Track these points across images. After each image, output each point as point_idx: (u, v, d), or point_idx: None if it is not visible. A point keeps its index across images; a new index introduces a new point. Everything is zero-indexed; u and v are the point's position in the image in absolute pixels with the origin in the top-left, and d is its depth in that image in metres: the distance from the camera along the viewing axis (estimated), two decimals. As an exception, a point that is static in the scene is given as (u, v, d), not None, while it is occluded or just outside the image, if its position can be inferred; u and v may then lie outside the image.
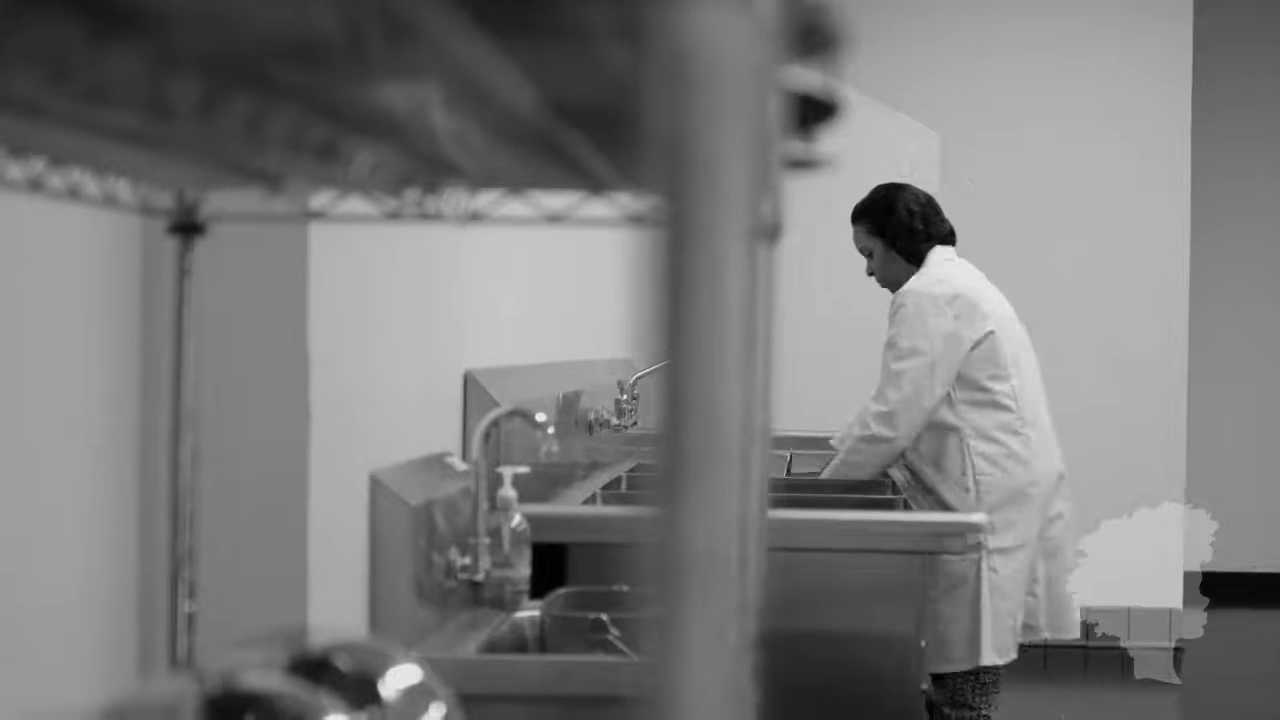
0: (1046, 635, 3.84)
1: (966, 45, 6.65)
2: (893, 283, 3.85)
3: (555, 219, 1.22)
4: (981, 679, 3.70)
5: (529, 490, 2.44)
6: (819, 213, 5.42)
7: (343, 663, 1.09)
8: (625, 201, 1.14)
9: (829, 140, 1.07)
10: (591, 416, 3.47)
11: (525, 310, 3.20)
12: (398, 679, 1.10)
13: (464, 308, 2.58)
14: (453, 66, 0.69)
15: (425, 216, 1.12)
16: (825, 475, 3.81)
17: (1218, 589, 7.26)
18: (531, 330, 3.25)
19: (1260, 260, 7.79)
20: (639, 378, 3.77)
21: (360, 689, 1.07)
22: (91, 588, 1.51)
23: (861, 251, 3.91)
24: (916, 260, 3.82)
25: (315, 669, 1.07)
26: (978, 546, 3.60)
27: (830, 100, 0.81)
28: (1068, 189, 6.61)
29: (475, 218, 1.19)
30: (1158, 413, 6.52)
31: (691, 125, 0.32)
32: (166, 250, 1.26)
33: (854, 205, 3.90)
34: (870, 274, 3.92)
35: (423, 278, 2.30)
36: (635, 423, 3.76)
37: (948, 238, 3.87)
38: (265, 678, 0.98)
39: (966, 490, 3.67)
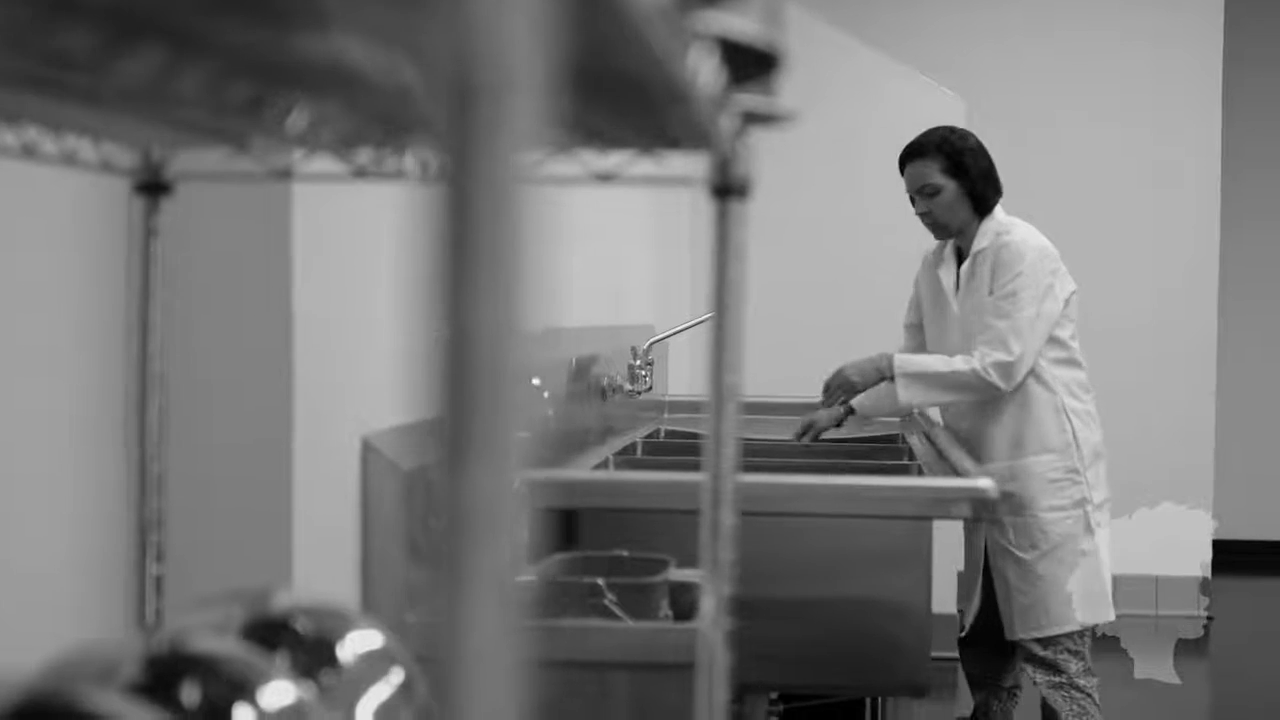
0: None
1: (997, 13, 6.56)
2: (946, 228, 3.57)
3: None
4: (1078, 641, 3.54)
5: (540, 455, 2.43)
6: (843, 176, 5.37)
7: (301, 625, 1.07)
8: (590, 160, 1.12)
9: (789, 94, 1.05)
10: (605, 382, 3.45)
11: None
12: (357, 643, 1.09)
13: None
14: (372, 18, 0.67)
15: (386, 175, 1.11)
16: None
17: (1243, 558, 7.23)
18: (544, 294, 3.23)
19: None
20: (653, 343, 3.76)
21: (318, 652, 1.06)
22: (74, 553, 1.51)
23: (922, 191, 3.54)
24: (983, 210, 3.58)
25: (273, 631, 1.06)
26: (1081, 503, 3.53)
27: (768, 50, 0.78)
28: (1093, 171, 6.52)
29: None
30: (1188, 396, 6.47)
31: (472, 70, 0.31)
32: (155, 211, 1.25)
33: (914, 140, 3.56)
34: (922, 213, 3.57)
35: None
36: (649, 388, 3.74)
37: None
38: (215, 640, 0.97)
39: (1068, 446, 3.55)
